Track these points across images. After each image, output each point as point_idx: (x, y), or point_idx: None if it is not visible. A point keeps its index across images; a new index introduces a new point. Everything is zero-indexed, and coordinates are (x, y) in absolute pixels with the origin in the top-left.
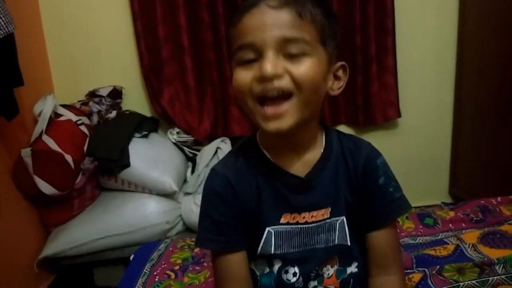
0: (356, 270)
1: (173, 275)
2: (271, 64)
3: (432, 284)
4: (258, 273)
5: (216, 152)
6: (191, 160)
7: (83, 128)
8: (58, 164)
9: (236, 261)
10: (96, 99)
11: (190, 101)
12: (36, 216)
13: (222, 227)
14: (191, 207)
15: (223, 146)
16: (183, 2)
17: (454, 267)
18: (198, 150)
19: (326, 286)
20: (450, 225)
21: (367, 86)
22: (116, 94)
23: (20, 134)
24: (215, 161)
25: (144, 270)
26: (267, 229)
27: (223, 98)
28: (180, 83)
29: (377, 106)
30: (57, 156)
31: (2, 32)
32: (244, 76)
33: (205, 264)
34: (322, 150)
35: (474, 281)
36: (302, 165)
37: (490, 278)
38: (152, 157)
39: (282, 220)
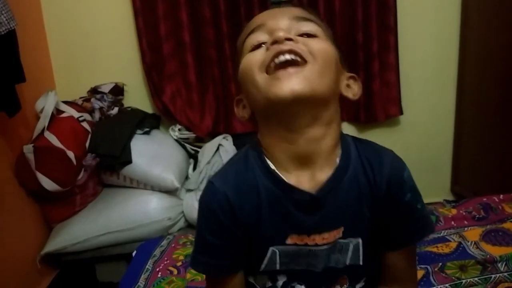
0: (363, 284)
1: (175, 271)
2: (284, 30)
3: (434, 281)
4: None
5: (218, 149)
6: (193, 157)
7: (85, 124)
8: (60, 161)
9: (229, 285)
10: (98, 96)
11: (191, 98)
12: (38, 212)
13: (215, 249)
14: (193, 204)
15: (225, 143)
16: None
17: (457, 264)
18: (200, 147)
19: None
20: (452, 222)
21: (369, 83)
22: (117, 90)
23: (22, 131)
24: (216, 158)
25: (147, 267)
26: (270, 248)
27: (224, 95)
28: (182, 79)
29: (379, 103)
30: (59, 153)
31: (4, 29)
32: (253, 55)
33: None
34: (337, 161)
35: (476, 279)
36: (313, 179)
37: (493, 276)
38: (154, 154)
39: (289, 241)
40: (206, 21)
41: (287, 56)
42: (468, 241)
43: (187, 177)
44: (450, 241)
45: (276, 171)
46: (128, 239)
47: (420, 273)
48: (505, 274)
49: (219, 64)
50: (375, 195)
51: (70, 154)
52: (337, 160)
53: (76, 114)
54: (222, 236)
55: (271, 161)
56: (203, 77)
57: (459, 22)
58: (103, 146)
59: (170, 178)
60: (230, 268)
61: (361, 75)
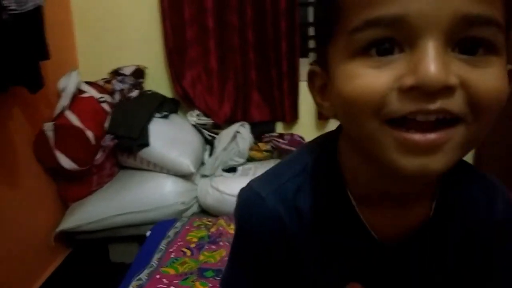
0: None
1: (188, 253)
2: (437, 64)
3: None
4: None
5: (235, 136)
6: (210, 143)
7: (105, 105)
8: (79, 140)
9: None
10: (119, 78)
11: (211, 84)
12: (55, 190)
13: (252, 276)
14: (207, 190)
15: (242, 130)
16: None
17: None
18: (217, 134)
19: None
20: None
21: None
22: (139, 73)
23: (43, 108)
24: (233, 145)
25: (160, 247)
26: None
27: (244, 82)
28: (203, 66)
29: None
30: (78, 132)
31: (31, 4)
32: (371, 79)
33: (221, 243)
34: (433, 203)
35: None
36: (399, 226)
37: None
38: (171, 138)
39: None
40: (231, 8)
41: (432, 118)
42: None
43: (202, 163)
44: None
45: (355, 205)
46: (142, 221)
47: None
48: None
49: (241, 52)
50: (469, 243)
51: (89, 134)
52: (433, 202)
53: (97, 95)
54: (267, 268)
55: (348, 188)
56: (224, 64)
57: None
58: (122, 128)
59: (186, 162)
60: None
61: None
